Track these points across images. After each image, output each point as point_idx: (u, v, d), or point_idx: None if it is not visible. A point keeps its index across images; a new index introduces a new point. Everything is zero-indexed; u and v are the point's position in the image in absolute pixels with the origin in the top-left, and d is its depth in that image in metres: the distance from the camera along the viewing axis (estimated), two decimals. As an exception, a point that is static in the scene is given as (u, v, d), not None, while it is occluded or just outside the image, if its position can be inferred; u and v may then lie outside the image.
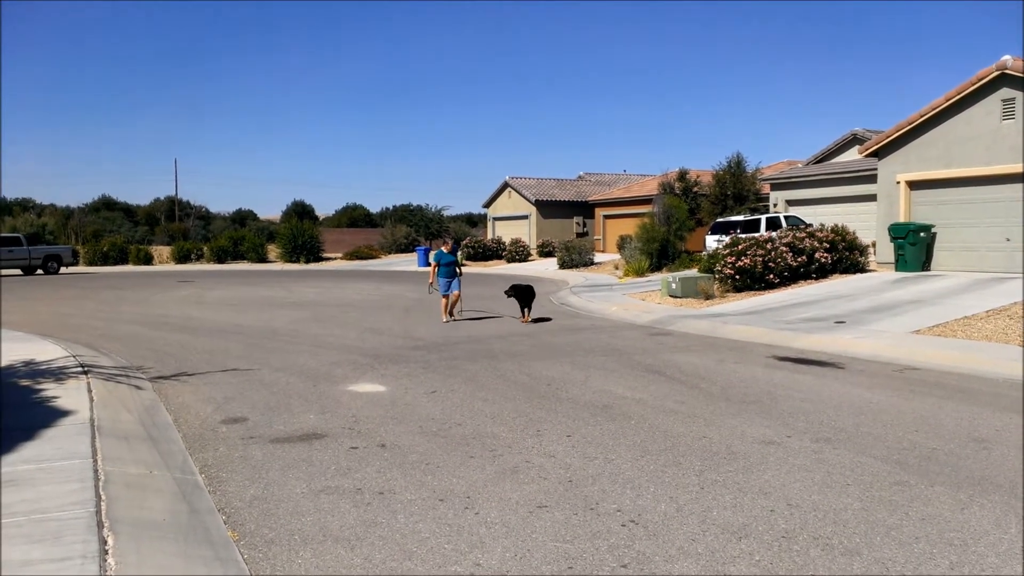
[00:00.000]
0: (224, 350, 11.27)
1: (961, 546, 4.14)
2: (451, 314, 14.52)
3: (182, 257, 46.18)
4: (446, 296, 14.43)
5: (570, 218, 44.31)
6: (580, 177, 50.29)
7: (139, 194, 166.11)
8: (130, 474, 5.04)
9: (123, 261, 45.16)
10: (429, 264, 15.34)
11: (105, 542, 3.76)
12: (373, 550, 4.14)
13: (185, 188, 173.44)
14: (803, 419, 6.88)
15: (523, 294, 14.43)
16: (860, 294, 15.53)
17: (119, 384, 8.20)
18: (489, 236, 45.74)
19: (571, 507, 4.75)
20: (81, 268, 41.31)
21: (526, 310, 14.45)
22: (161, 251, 48.48)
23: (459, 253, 15.22)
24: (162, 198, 77.37)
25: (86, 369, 8.72)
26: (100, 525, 3.97)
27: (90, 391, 7.43)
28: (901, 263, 18.51)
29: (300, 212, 72.99)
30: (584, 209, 44.15)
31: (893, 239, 18.67)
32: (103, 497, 4.41)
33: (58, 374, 8.31)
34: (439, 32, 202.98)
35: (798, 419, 6.88)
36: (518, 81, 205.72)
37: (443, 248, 14.63)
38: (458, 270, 14.53)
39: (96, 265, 44.07)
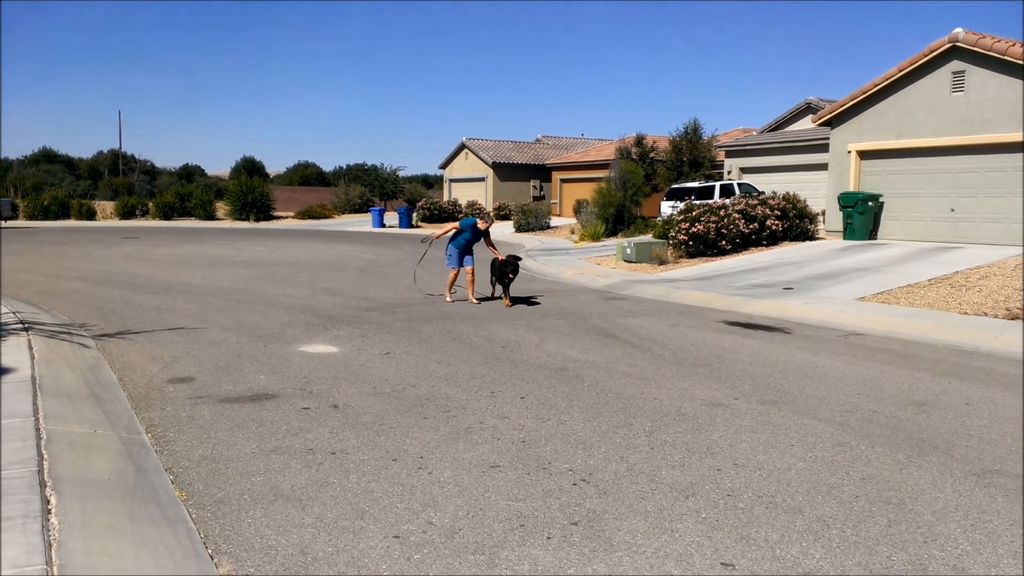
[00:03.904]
0: (171, 308, 11.03)
1: (899, 504, 4.29)
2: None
3: (126, 213, 44.86)
4: (456, 270, 11.97)
5: (527, 181, 44.16)
6: (538, 140, 50.04)
7: (81, 147, 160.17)
8: (73, 433, 4.92)
9: (65, 216, 43.70)
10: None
11: (48, 501, 3.68)
12: (325, 509, 4.12)
13: (129, 142, 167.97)
14: (750, 382, 7.02)
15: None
16: (809, 261, 15.85)
17: (62, 342, 7.97)
18: (445, 198, 45.38)
19: (523, 467, 4.79)
20: (21, 222, 39.88)
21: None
22: (104, 206, 46.98)
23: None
24: (105, 151, 75.01)
25: (27, 326, 8.45)
26: (43, 484, 3.87)
27: (31, 348, 7.20)
28: (849, 231, 18.92)
29: (250, 169, 71.23)
30: (542, 172, 44.03)
31: (842, 208, 19.05)
32: (45, 456, 4.30)
33: (-3, 331, 8.04)
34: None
35: (745, 382, 7.02)
36: (477, 40, 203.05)
37: (478, 223, 12.02)
38: (493, 250, 12.28)
39: (36, 219, 42.59)
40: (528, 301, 12.05)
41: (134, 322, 9.80)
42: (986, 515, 4.16)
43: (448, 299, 11.97)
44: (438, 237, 12.65)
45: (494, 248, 12.36)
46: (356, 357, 7.88)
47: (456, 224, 12.14)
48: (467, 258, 12.04)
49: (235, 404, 6.11)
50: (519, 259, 12.13)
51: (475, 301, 11.90)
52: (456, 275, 12.04)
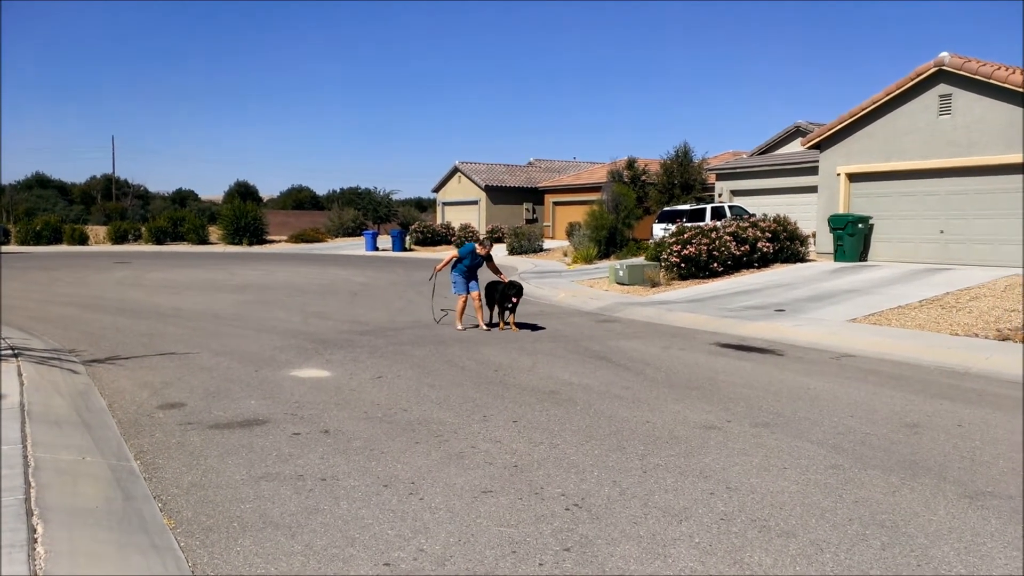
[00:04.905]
0: (162, 333, 10.98)
1: (892, 527, 4.28)
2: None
3: (119, 237, 44.78)
4: (464, 296, 11.70)
5: (520, 204, 44.30)
6: (531, 163, 50.27)
7: (74, 172, 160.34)
8: (62, 460, 4.87)
9: (57, 241, 43.61)
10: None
11: (35, 530, 3.63)
12: (315, 536, 4.09)
13: (123, 166, 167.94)
14: (743, 404, 7.02)
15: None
16: (800, 283, 15.91)
17: (52, 368, 7.92)
18: (438, 221, 45.44)
19: (516, 492, 4.76)
20: (13, 247, 39.79)
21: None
22: (97, 231, 46.92)
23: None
24: (98, 176, 74.90)
25: (16, 352, 8.40)
26: (29, 513, 3.83)
27: (20, 375, 7.16)
28: (840, 253, 19.01)
29: (244, 193, 71.27)
30: (534, 195, 44.19)
31: (832, 230, 19.14)
32: (33, 484, 4.26)
33: (-14, 357, 7.98)
34: (389, 15, 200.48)
35: (738, 404, 7.02)
36: (470, 66, 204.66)
37: (477, 248, 11.75)
38: (499, 275, 11.95)
39: (29, 245, 42.49)
40: (520, 324, 12.01)
41: (125, 347, 9.75)
42: (980, 537, 4.15)
43: (459, 327, 11.52)
44: (439, 270, 12.37)
45: (498, 272, 12.05)
46: (348, 381, 7.85)
47: (455, 252, 11.92)
48: (472, 283, 11.80)
49: (225, 430, 6.06)
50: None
51: (485, 327, 11.59)
52: (464, 302, 11.71)
